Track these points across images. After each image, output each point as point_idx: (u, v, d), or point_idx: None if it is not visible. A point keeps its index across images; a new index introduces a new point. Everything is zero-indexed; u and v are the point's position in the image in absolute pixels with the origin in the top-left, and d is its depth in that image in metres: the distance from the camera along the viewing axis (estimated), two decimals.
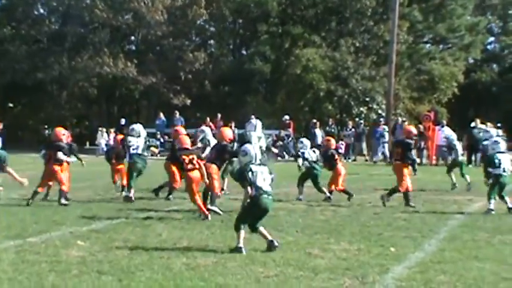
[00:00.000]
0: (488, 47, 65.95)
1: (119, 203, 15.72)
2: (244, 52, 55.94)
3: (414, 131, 17.76)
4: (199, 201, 13.88)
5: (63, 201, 15.61)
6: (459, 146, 23.02)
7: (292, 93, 47.08)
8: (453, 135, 24.71)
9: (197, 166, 14.01)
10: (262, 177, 10.25)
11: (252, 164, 10.40)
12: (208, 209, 13.98)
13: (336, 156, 17.81)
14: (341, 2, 49.49)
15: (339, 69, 46.49)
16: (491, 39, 65.76)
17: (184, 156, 14.06)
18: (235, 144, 16.47)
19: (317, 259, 9.51)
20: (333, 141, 18.66)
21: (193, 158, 14.12)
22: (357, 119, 41.75)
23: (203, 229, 12.00)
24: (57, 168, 15.86)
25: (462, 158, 23.86)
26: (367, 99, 46.12)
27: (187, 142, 14.69)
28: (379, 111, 44.51)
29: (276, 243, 10.13)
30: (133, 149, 17.25)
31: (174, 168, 17.01)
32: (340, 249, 10.24)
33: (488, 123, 35.27)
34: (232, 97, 50.16)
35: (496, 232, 12.16)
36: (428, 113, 38.95)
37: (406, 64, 49.87)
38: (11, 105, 56.87)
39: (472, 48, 55.59)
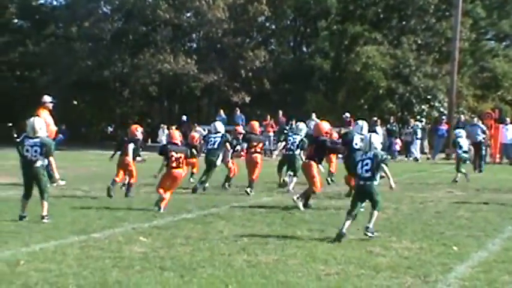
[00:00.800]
0: None
1: (180, 200, 15.80)
2: (304, 49, 55.89)
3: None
4: (163, 194, 14.19)
5: (130, 194, 16.53)
6: None
7: (352, 90, 46.89)
8: None
9: (182, 165, 14.53)
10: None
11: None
12: (305, 206, 14.54)
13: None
14: (403, 0, 49.12)
15: (400, 66, 46.17)
16: None
17: (173, 153, 14.37)
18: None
19: (378, 257, 9.44)
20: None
21: (180, 157, 14.45)
22: (418, 117, 41.44)
23: (264, 226, 12.02)
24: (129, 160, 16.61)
25: None
26: (429, 97, 45.70)
27: (177, 137, 15.06)
28: (441, 109, 44.06)
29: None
30: (211, 145, 18.71)
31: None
32: (402, 248, 10.16)
33: None
34: (292, 94, 50.13)
35: None
36: (490, 111, 38.48)
37: (469, 61, 49.38)
38: (75, 102, 57.72)
39: None
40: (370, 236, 10.97)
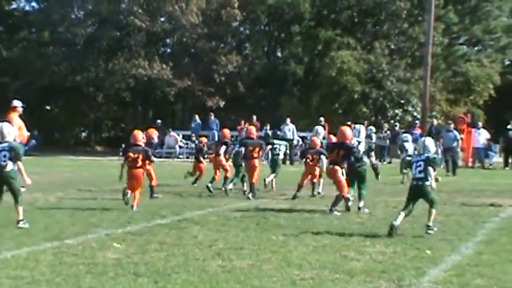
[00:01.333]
0: None
1: (154, 206, 15.76)
2: (278, 54, 55.96)
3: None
4: (128, 194, 15.05)
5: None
6: None
7: (326, 95, 47.07)
8: None
9: (139, 165, 15.16)
10: None
11: None
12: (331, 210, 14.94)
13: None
14: (376, 5, 49.36)
15: (373, 71, 46.46)
16: None
17: (130, 154, 15.12)
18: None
19: (353, 262, 9.46)
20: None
21: (138, 157, 15.08)
22: (391, 122, 41.61)
23: (238, 231, 12.00)
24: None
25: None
26: (402, 101, 45.99)
27: (139, 139, 15.62)
28: (415, 114, 44.31)
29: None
30: (238, 147, 19.46)
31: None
32: (376, 252, 10.19)
33: None
34: (267, 99, 50.21)
35: None
36: (463, 116, 38.77)
37: (442, 66, 49.66)
38: (48, 107, 57.41)
39: (508, 49, 55.27)
40: (430, 233, 11.87)
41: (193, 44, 50.38)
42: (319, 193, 19.32)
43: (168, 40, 54.55)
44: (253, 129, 19.98)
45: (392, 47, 49.15)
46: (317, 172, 18.87)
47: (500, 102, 55.31)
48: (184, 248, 10.33)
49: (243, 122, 39.79)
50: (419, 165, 12.39)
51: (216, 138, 42.08)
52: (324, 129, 39.41)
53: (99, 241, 10.85)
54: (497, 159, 36.90)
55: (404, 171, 21.90)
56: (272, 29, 54.87)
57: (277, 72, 49.58)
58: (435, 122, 39.18)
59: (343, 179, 15.41)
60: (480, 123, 38.24)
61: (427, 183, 12.35)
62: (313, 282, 8.21)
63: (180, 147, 42.68)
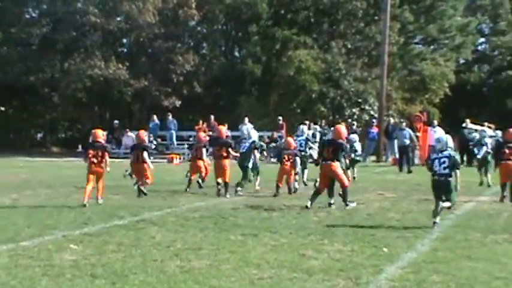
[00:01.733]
0: (479, 47, 66.10)
1: (112, 207, 15.67)
2: (236, 54, 55.95)
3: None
4: (89, 189, 15.84)
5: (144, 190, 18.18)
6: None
7: (284, 94, 47.17)
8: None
9: (97, 161, 16.16)
10: None
11: None
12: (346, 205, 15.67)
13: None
14: (332, 4, 49.53)
15: (330, 70, 46.73)
16: (482, 39, 65.91)
17: (91, 150, 16.17)
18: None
19: (311, 260, 9.51)
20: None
21: (97, 153, 16.16)
22: (349, 120, 41.81)
23: (197, 232, 11.98)
24: (145, 165, 18.45)
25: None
26: (360, 100, 46.32)
27: (100, 136, 16.74)
28: (372, 113, 44.61)
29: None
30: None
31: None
32: (334, 250, 10.25)
33: (486, 124, 35.49)
34: (225, 98, 50.17)
35: (489, 232, 12.19)
36: (419, 114, 39.09)
37: (398, 65, 50.04)
38: (2, 108, 56.70)
39: (462, 48, 55.84)
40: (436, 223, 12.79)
41: (150, 43, 50.10)
42: (296, 189, 19.81)
43: (124, 40, 54.14)
44: (223, 129, 20.43)
45: (349, 46, 49.42)
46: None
47: (455, 101, 55.99)
48: (142, 248, 10.29)
49: (200, 122, 39.71)
50: (444, 162, 13.31)
51: (174, 139, 42.12)
52: (282, 128, 39.75)
53: (56, 243, 10.76)
54: None
55: (354, 170, 22.24)
56: (230, 28, 54.83)
57: (235, 72, 49.53)
58: (392, 120, 39.50)
59: (340, 172, 15.90)
60: (436, 122, 38.60)
61: (450, 179, 13.27)
62: (272, 282, 8.23)
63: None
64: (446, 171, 13.26)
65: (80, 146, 45.02)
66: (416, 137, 33.74)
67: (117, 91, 49.18)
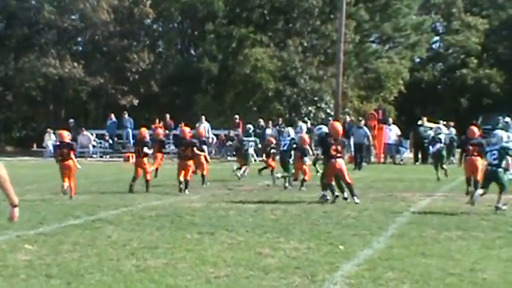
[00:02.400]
0: (433, 46, 66.75)
1: (67, 206, 15.55)
2: (192, 52, 55.76)
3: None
4: (65, 183, 17.25)
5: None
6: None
7: (240, 92, 47.24)
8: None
9: (66, 160, 17.52)
10: None
11: None
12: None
13: None
14: (288, 2, 49.57)
15: (287, 68, 46.87)
16: (436, 38, 66.58)
17: (59, 151, 17.81)
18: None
19: (267, 258, 9.50)
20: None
21: (64, 153, 17.62)
22: (305, 118, 41.94)
23: (153, 230, 11.93)
24: (145, 160, 19.82)
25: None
26: (316, 98, 46.55)
27: (65, 136, 18.18)
28: (328, 111, 44.82)
29: None
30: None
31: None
32: (290, 248, 10.24)
33: (441, 122, 35.84)
34: (181, 97, 49.99)
35: (443, 229, 12.27)
36: (373, 112, 39.37)
37: (354, 63, 50.29)
38: None
39: (417, 47, 56.31)
40: (502, 210, 14.38)
41: (105, 41, 49.86)
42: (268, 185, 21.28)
43: (79, 38, 53.76)
44: (186, 129, 20.91)
45: (305, 44, 49.50)
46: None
47: (410, 99, 56.53)
48: (98, 248, 10.22)
49: (157, 121, 39.58)
50: (494, 154, 14.90)
51: (131, 137, 41.87)
52: (239, 126, 39.74)
53: (10, 243, 10.65)
54: (407, 154, 37.56)
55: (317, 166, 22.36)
56: (186, 26, 54.66)
57: (191, 70, 49.37)
58: (348, 118, 39.71)
59: (344, 168, 16.94)
60: (391, 120, 38.97)
61: (500, 169, 14.86)
62: (228, 280, 8.22)
63: (94, 146, 42.22)
64: (496, 162, 14.86)
65: (35, 145, 44.71)
66: (372, 135, 34.01)
67: (72, 90, 48.89)
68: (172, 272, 8.58)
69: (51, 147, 41.07)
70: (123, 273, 8.49)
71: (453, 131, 35.73)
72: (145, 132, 20.92)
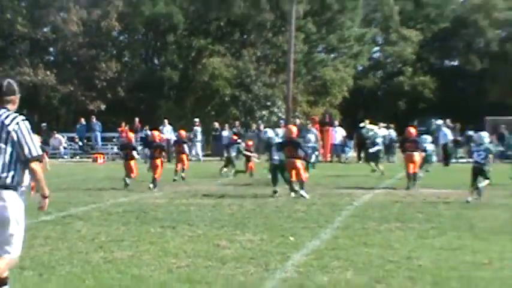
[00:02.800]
0: (374, 55, 67.18)
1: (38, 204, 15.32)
2: (155, 61, 55.44)
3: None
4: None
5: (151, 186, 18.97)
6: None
7: (200, 98, 47.21)
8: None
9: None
10: None
11: None
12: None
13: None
14: (243, 16, 49.57)
15: (242, 76, 46.99)
16: (376, 48, 67.03)
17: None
18: None
19: (224, 250, 9.48)
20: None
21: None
22: (259, 122, 41.98)
23: (120, 225, 11.83)
24: (132, 162, 19.93)
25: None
26: (268, 103, 46.72)
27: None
28: (280, 114, 44.90)
29: None
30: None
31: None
32: (246, 240, 10.24)
33: (381, 124, 36.17)
34: (146, 102, 49.69)
35: (383, 221, 12.36)
36: (314, 117, 39.68)
37: (303, 71, 50.38)
38: None
39: (359, 56, 56.61)
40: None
41: (75, 52, 49.53)
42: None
43: (51, 48, 53.28)
44: (155, 133, 22.05)
45: (259, 54, 49.59)
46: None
47: (354, 103, 56.84)
48: (69, 242, 10.11)
49: (123, 124, 39.34)
50: (481, 154, 15.93)
51: (99, 140, 41.62)
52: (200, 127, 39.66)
53: None
54: (351, 154, 37.81)
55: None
56: (149, 38, 54.29)
57: (155, 78, 49.19)
58: (298, 121, 39.80)
59: (300, 166, 16.97)
60: (337, 122, 39.19)
61: (486, 167, 15.87)
62: (189, 270, 8.18)
63: (65, 148, 41.92)
64: (483, 161, 15.91)
65: None
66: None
67: (45, 96, 48.38)
68: (137, 263, 8.53)
69: None
70: (91, 265, 8.42)
71: (392, 132, 36.07)
72: (132, 136, 21.75)
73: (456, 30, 64.91)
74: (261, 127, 38.14)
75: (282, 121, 40.68)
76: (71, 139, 42.58)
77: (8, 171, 6.13)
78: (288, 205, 14.99)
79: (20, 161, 6.15)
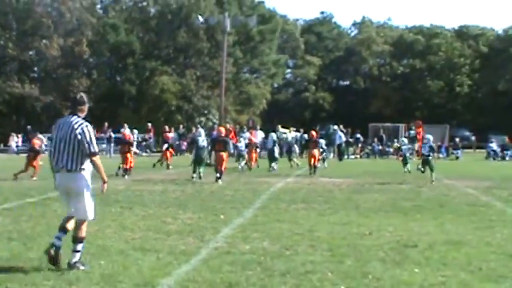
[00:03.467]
0: (286, 76, 67.61)
1: (24, 188, 14.90)
2: (117, 78, 54.58)
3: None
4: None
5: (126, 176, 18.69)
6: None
7: (152, 108, 46.90)
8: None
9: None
10: None
11: None
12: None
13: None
14: (186, 44, 49.40)
15: (185, 91, 46.92)
16: (288, 70, 67.47)
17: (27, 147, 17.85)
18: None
19: (169, 225, 9.42)
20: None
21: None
22: (198, 126, 41.80)
23: None
24: (128, 155, 19.45)
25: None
26: (205, 112, 46.71)
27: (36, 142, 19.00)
28: (214, 120, 44.85)
29: None
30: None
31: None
32: (186, 218, 10.19)
33: (292, 128, 36.66)
34: (109, 110, 48.89)
35: (291, 203, 12.48)
36: (230, 128, 39.83)
37: (232, 87, 50.41)
38: None
39: (275, 76, 57.06)
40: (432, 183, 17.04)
41: (54, 70, 48.81)
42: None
43: (35, 68, 52.24)
44: (127, 132, 21.86)
45: (198, 74, 49.43)
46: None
47: (272, 112, 57.11)
48: (47, 219, 9.89)
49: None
50: (427, 149, 18.10)
51: None
52: (151, 131, 39.25)
53: None
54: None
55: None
56: (113, 60, 53.39)
57: (117, 91, 48.67)
58: (228, 125, 39.74)
59: (224, 159, 17.33)
60: (258, 126, 39.34)
61: (430, 157, 17.89)
62: (141, 241, 8.11)
63: (46, 145, 40.80)
64: (428, 153, 17.99)
65: (1, 145, 42.85)
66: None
67: (30, 105, 47.44)
68: (101, 236, 8.42)
69: (14, 147, 39.63)
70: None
71: (298, 134, 36.39)
72: (128, 134, 21.43)
73: (347, 58, 66.05)
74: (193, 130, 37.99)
75: (215, 125, 40.54)
76: (50, 139, 41.60)
77: (76, 161, 6.55)
78: (220, 191, 14.98)
79: (84, 154, 6.53)
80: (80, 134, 6.50)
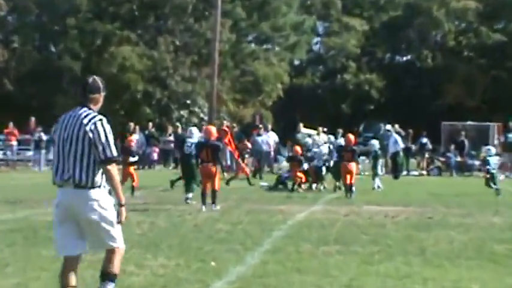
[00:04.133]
0: (314, 47, 67.58)
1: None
2: (52, 49, 54.81)
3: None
4: None
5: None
6: None
7: (106, 94, 46.73)
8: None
9: None
10: None
11: None
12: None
13: None
14: None
15: (157, 69, 46.96)
16: (317, 39, 67.45)
17: None
18: None
19: (132, 277, 9.41)
20: None
21: None
22: (177, 124, 41.81)
23: (3, 247, 11.62)
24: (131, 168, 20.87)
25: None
26: (188, 101, 46.65)
27: None
28: (201, 115, 44.87)
29: None
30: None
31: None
32: (158, 265, 10.18)
33: (320, 128, 36.50)
34: (39, 98, 49.02)
35: (321, 243, 12.41)
36: (225, 128, 39.91)
37: (230, 64, 50.52)
38: None
39: (297, 48, 56.89)
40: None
41: None
42: None
43: None
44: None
45: (178, 43, 49.53)
46: None
47: (290, 103, 57.03)
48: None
49: (11, 125, 38.54)
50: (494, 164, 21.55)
51: None
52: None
53: None
54: (285, 163, 37.94)
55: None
56: (44, 20, 53.62)
57: (51, 68, 48.72)
58: (225, 123, 39.79)
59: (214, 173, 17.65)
60: (270, 126, 39.21)
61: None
62: None
63: None
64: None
65: None
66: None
67: None
68: None
69: None
70: None
71: (332, 137, 36.22)
72: (131, 141, 22.77)
73: (408, 19, 65.87)
74: (179, 130, 37.94)
75: (203, 123, 40.60)
76: (50, 140, 41.54)
77: (87, 172, 6.79)
78: (209, 223, 14.94)
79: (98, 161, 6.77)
80: (91, 131, 6.89)
